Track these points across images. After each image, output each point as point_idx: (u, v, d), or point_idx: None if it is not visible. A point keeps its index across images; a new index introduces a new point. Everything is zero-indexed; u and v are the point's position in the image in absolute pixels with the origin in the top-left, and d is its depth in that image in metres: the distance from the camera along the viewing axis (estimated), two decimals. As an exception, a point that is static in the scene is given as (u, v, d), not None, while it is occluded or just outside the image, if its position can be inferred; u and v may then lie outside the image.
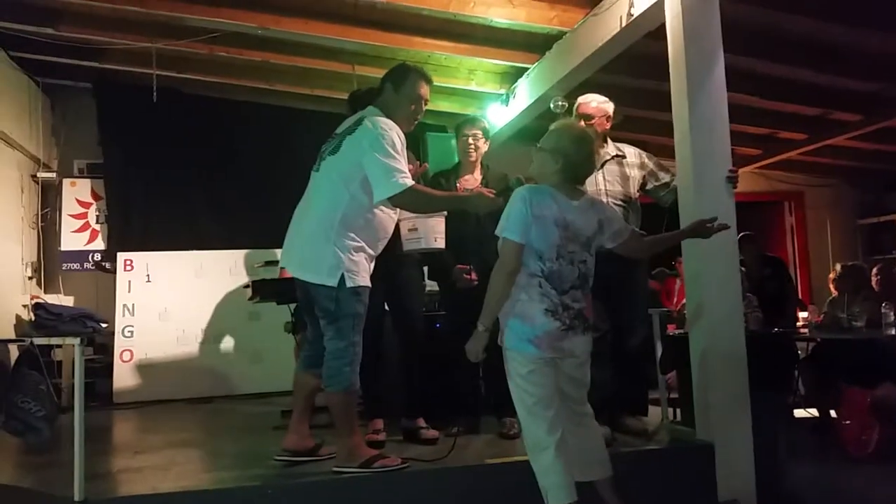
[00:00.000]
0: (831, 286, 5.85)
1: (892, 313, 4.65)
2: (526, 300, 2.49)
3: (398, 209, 3.08)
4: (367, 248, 2.96)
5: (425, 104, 3.14)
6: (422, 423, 3.55)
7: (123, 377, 5.78)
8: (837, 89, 5.70)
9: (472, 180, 3.74)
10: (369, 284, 2.96)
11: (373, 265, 3.05)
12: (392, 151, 2.85)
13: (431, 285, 4.57)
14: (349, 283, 2.86)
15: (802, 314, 6.40)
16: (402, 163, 2.88)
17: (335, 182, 2.95)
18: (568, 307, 2.50)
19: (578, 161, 2.59)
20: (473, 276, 3.57)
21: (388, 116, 3.01)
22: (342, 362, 2.88)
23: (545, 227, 2.49)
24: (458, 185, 3.72)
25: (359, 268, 2.91)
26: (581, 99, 3.65)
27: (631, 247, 2.71)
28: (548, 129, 2.75)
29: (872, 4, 4.22)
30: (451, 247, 3.55)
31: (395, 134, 2.91)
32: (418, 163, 3.37)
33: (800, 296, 7.67)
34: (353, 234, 2.90)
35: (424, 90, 3.10)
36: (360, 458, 2.90)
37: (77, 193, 6.73)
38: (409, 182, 2.86)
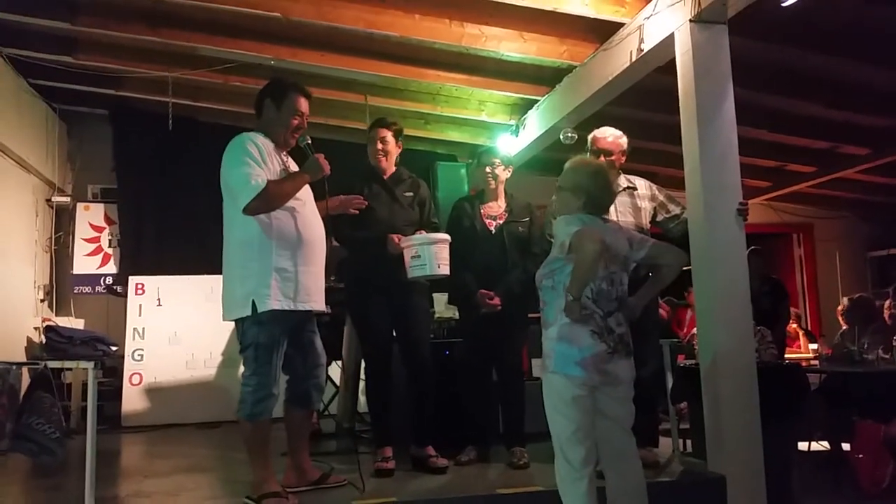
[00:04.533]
0: (840, 318, 5.84)
1: (903, 346, 4.64)
2: (571, 322, 2.51)
3: (296, 213, 3.00)
4: (288, 265, 2.89)
5: (306, 119, 3.12)
6: (431, 451, 3.54)
7: (132, 401, 5.78)
8: (846, 124, 5.76)
9: (495, 206, 3.80)
10: (290, 307, 2.89)
11: (313, 280, 2.98)
12: (246, 159, 2.87)
13: (441, 312, 4.60)
14: (260, 308, 2.83)
15: (812, 346, 6.38)
16: (255, 168, 2.86)
17: (227, 216, 2.97)
18: (612, 331, 2.54)
19: (598, 193, 2.68)
20: (497, 300, 3.58)
21: (269, 134, 3.03)
22: (245, 391, 2.90)
23: None
24: (482, 210, 3.77)
25: (270, 290, 2.84)
26: (597, 133, 3.66)
27: (652, 255, 2.73)
28: (557, 159, 2.81)
29: (881, 42, 4.27)
30: (475, 272, 3.59)
31: (250, 145, 2.92)
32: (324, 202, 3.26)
33: (809, 327, 7.65)
34: (261, 256, 2.87)
35: (304, 104, 3.10)
36: (258, 492, 2.87)
37: (90, 217, 6.81)
38: (263, 182, 2.84)
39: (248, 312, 2.85)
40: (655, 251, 2.71)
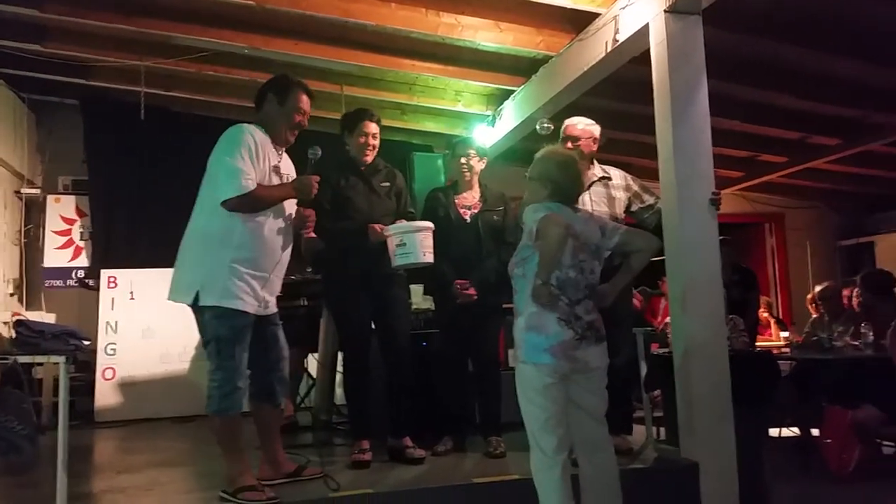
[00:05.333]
0: (809, 307, 5.95)
1: (871, 333, 4.74)
2: (538, 311, 2.52)
3: (284, 223, 3.00)
4: (242, 266, 2.83)
5: (307, 118, 3.09)
6: (408, 442, 3.54)
7: (105, 395, 5.70)
8: (817, 114, 5.84)
9: (469, 197, 3.80)
10: (237, 308, 2.82)
11: (266, 289, 2.92)
12: (242, 152, 2.82)
13: (418, 303, 4.61)
14: (202, 300, 2.79)
15: (783, 333, 6.49)
16: (248, 165, 2.82)
17: (204, 201, 2.92)
18: (579, 318, 2.56)
19: (566, 184, 2.69)
20: (472, 290, 3.59)
21: (268, 129, 2.99)
22: (211, 386, 2.85)
23: None
24: (456, 200, 3.77)
25: (216, 286, 2.79)
26: (568, 121, 3.72)
27: (624, 241, 2.72)
28: (533, 150, 2.83)
29: (853, 34, 4.34)
30: (451, 261, 3.59)
31: (250, 139, 2.87)
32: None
33: (780, 315, 7.77)
34: (219, 250, 2.83)
35: (307, 103, 3.06)
36: (233, 486, 2.84)
37: (61, 210, 6.69)
38: (253, 185, 2.80)
39: (189, 301, 2.83)
40: (627, 237, 2.72)
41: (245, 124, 2.96)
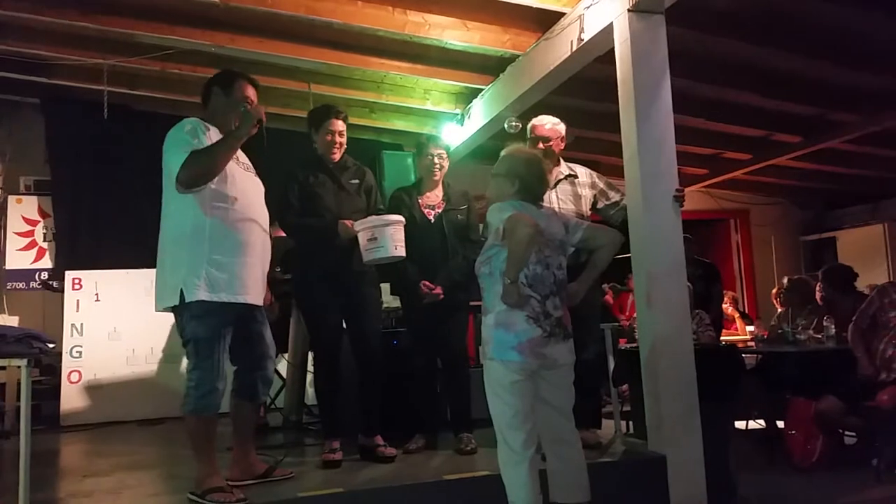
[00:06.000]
0: (774, 301, 6.06)
1: (833, 326, 4.85)
2: (507, 308, 2.54)
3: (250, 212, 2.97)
4: (220, 258, 2.81)
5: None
6: (379, 440, 3.54)
7: (71, 399, 5.60)
8: (779, 112, 5.96)
9: (433, 197, 3.80)
10: (220, 300, 2.80)
11: (248, 277, 2.90)
12: (183, 144, 2.80)
13: (388, 302, 4.61)
14: (188, 297, 2.77)
15: (749, 328, 6.60)
16: (192, 145, 2.80)
17: (168, 202, 2.91)
18: (549, 315, 2.58)
19: (532, 181, 2.71)
20: (439, 290, 3.59)
21: (217, 122, 2.98)
22: (189, 386, 2.84)
23: None
24: (420, 200, 3.77)
25: (200, 280, 2.77)
26: (535, 121, 3.75)
27: (587, 237, 2.76)
28: (502, 148, 2.85)
29: (813, 34, 4.44)
30: (416, 261, 3.58)
31: (189, 128, 2.86)
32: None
33: (745, 310, 7.92)
34: (193, 246, 2.81)
35: (252, 92, 3.06)
36: (202, 487, 2.82)
37: (23, 211, 6.56)
38: (190, 149, 2.79)
39: (176, 302, 2.79)
40: (589, 233, 2.76)
41: (185, 119, 2.94)
